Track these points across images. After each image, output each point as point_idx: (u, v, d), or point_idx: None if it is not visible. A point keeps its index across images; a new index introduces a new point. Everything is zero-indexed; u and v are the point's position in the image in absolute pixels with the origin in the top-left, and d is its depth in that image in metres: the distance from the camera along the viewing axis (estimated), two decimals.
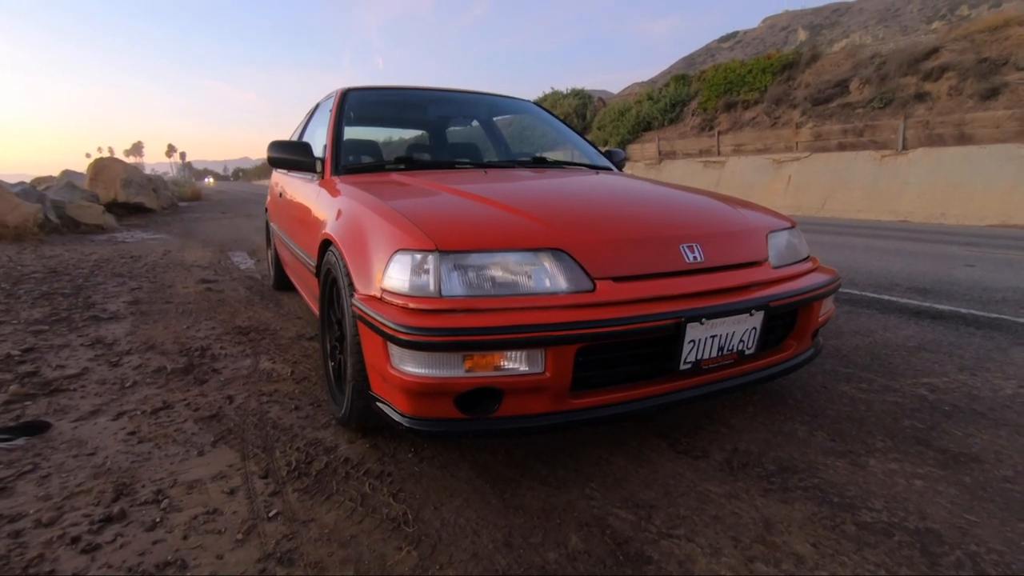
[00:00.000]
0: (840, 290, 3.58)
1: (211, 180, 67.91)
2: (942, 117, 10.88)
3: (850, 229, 7.90)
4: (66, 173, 12.07)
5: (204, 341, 2.78)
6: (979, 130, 10.10)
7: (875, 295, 3.59)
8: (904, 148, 10.47)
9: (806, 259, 1.92)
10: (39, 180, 12.36)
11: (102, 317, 3.24)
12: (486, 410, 1.36)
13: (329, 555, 1.23)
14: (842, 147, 11.96)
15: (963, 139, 10.16)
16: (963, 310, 3.17)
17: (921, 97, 12.16)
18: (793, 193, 11.64)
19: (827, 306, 1.87)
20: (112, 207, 10.07)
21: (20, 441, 1.74)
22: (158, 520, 1.34)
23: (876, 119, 12.24)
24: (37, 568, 1.18)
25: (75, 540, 1.27)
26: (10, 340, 2.77)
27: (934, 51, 12.64)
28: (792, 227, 1.94)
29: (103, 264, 5.16)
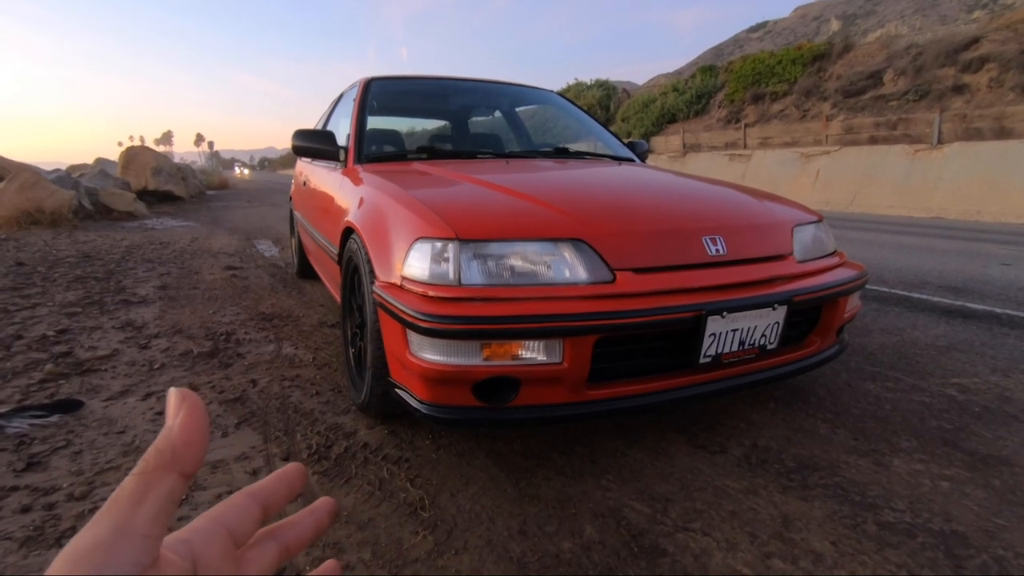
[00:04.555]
0: (868, 287, 3.49)
1: (246, 171, 54.44)
2: (981, 110, 10.49)
3: (880, 225, 7.69)
4: (99, 161, 12.42)
5: (229, 326, 2.84)
6: (1020, 124, 9.71)
7: (904, 293, 3.50)
8: (939, 142, 10.12)
9: (832, 254, 1.88)
10: (74, 168, 12.74)
11: (132, 301, 3.34)
12: (503, 399, 1.37)
13: (347, 537, 1.25)
14: (874, 141, 11.62)
15: (1003, 133, 9.78)
16: (997, 310, 3.07)
17: (959, 89, 11.75)
18: (821, 188, 11.36)
19: (853, 302, 1.83)
20: (143, 195, 10.32)
21: (54, 418, 1.80)
22: (183, 498, 1.38)
23: (910, 112, 11.87)
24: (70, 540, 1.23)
25: None
26: (45, 321, 2.86)
27: (974, 41, 12.18)
28: (819, 221, 1.90)
29: (134, 250, 5.30)
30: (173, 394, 0.26)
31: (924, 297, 3.38)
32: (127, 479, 0.23)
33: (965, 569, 1.15)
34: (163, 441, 0.24)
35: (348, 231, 1.92)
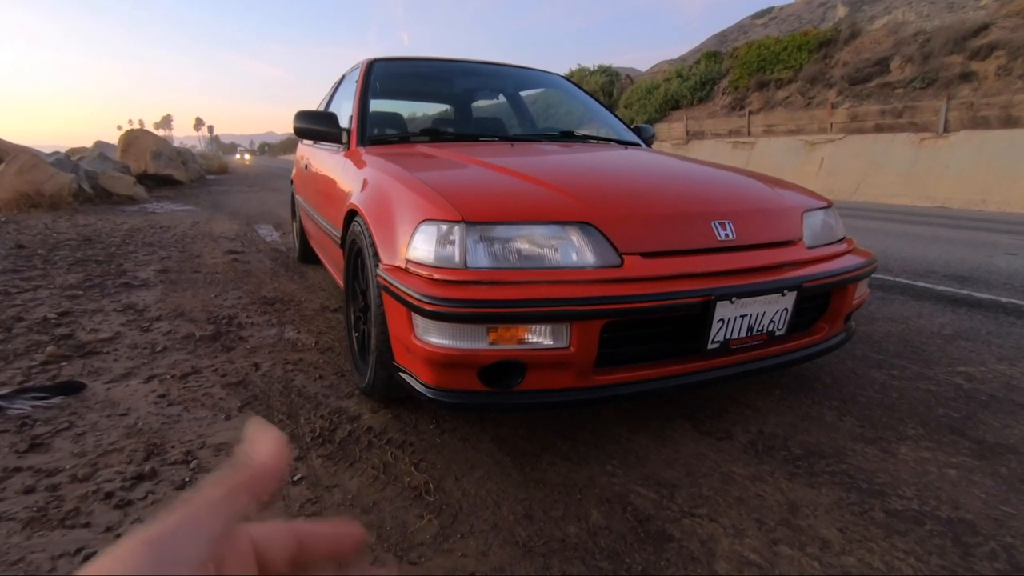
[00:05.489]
0: (873, 275, 3.46)
1: (247, 156, 51.71)
2: (988, 99, 10.37)
3: (884, 214, 7.64)
4: (98, 144, 12.32)
5: (231, 310, 2.83)
6: None
7: (909, 282, 3.48)
8: (946, 131, 10.03)
9: (841, 240, 1.86)
10: (73, 151, 12.64)
11: (133, 284, 3.32)
12: (509, 383, 1.35)
13: (352, 520, 1.24)
14: (879, 129, 11.51)
15: (1010, 122, 9.68)
16: (1003, 299, 3.05)
17: (967, 77, 11.62)
18: (825, 176, 11.28)
19: (861, 289, 1.81)
20: (142, 178, 10.25)
21: (56, 400, 1.80)
22: (187, 480, 1.38)
23: (917, 100, 11.74)
24: (73, 520, 1.23)
25: (109, 495, 1.31)
26: (47, 304, 2.85)
27: (983, 28, 12.02)
28: (828, 207, 1.88)
29: (134, 233, 5.28)
30: (261, 430, 0.27)
31: (929, 286, 3.36)
32: (207, 484, 0.24)
33: (973, 557, 1.14)
34: (250, 469, 0.26)
35: (351, 214, 1.90)
